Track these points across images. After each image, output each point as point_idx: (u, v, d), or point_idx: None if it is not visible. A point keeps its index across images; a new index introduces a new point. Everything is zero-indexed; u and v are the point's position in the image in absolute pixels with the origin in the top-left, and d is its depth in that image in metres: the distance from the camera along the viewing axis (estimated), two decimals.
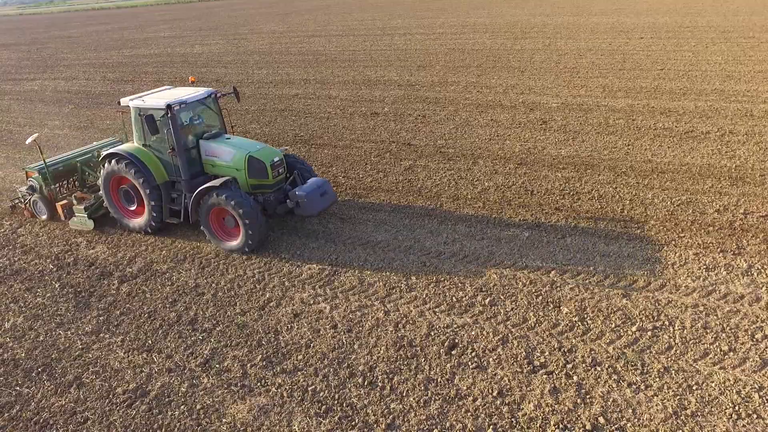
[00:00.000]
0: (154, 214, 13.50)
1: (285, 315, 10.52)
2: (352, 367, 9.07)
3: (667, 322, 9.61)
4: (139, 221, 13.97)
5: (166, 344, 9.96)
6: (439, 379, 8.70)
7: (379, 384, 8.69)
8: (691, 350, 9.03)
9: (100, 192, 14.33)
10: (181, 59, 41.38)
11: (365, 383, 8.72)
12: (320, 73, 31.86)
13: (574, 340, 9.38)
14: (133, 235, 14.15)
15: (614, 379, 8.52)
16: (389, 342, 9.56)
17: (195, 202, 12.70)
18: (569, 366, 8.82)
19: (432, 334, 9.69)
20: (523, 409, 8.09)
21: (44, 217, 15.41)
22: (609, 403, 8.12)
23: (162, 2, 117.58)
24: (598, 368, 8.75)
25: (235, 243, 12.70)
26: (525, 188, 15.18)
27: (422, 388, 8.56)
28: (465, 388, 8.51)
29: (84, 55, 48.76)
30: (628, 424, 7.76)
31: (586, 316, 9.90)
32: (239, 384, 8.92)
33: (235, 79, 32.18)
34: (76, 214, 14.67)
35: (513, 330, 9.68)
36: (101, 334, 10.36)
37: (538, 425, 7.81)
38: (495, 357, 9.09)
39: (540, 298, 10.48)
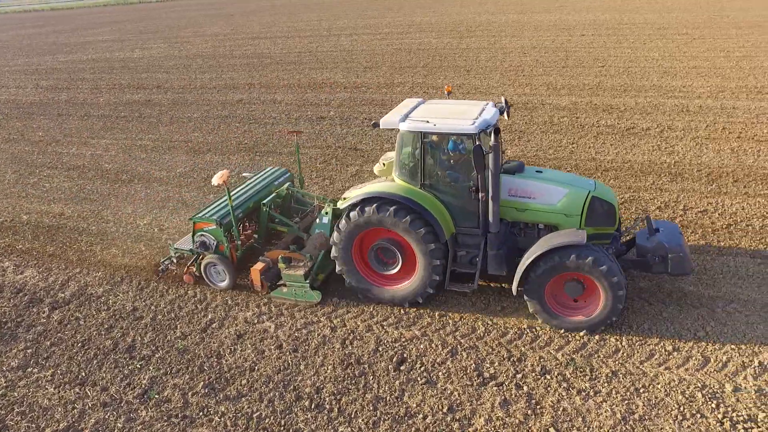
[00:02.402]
0: (435, 280, 10.07)
1: (228, 336, 10.09)
2: (298, 390, 8.74)
3: (613, 325, 9.65)
4: (402, 290, 10.33)
5: (101, 376, 9.39)
6: (388, 398, 8.47)
7: (327, 406, 8.40)
8: (638, 352, 9.10)
9: (307, 248, 11.21)
10: (120, 64, 39.87)
11: (312, 406, 8.41)
12: (265, 76, 31.21)
13: (523, 348, 9.31)
14: (67, 255, 13.34)
15: (564, 387, 8.49)
16: (336, 360, 9.27)
17: (529, 266, 9.31)
18: (519, 376, 8.74)
19: (380, 349, 9.45)
20: (474, 424, 7.95)
21: (224, 284, 11.35)
22: (559, 412, 8.07)
23: (100, 3, 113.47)
24: (548, 376, 8.70)
25: (582, 318, 9.46)
26: None
27: (371, 407, 8.31)
28: (414, 405, 8.31)
29: (14, 61, 46.40)
30: None
31: (534, 322, 9.84)
32: (180, 415, 8.46)
33: (178, 84, 31.17)
34: (289, 282, 10.83)
35: (462, 341, 9.54)
36: (29, 369, 9.67)
37: None
38: (444, 370, 8.92)
39: (488, 307, 10.39)
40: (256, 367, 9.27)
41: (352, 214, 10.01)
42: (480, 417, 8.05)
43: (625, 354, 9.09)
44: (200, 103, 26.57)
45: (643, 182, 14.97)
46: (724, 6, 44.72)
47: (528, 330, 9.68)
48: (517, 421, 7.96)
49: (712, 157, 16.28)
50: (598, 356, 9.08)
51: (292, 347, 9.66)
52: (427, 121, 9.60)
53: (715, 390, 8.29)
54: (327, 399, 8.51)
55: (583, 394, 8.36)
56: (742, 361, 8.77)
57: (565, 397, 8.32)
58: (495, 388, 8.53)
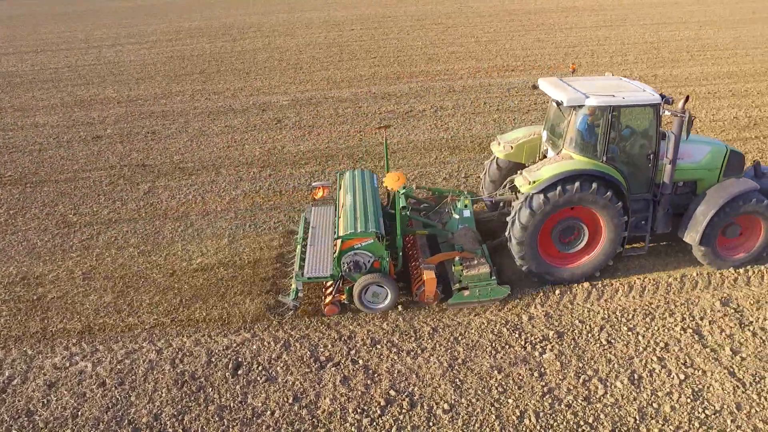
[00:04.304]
0: (618, 250, 10.71)
1: (37, 389, 8.94)
2: (134, 422, 8.17)
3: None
4: (584, 265, 10.79)
5: None
6: (231, 404, 8.36)
7: (170, 430, 8.01)
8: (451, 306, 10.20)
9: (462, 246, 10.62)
10: None
11: None
12: (17, 98, 27.48)
13: (350, 327, 9.83)
14: None
15: (394, 352, 9.20)
16: (169, 382, 8.83)
17: (713, 217, 10.29)
18: (353, 352, 9.25)
19: (213, 360, 9.23)
20: (321, 406, 8.25)
21: (384, 305, 10.05)
22: (395, 374, 8.75)
23: None
24: (378, 346, 9.34)
25: (744, 255, 10.99)
26: (273, 190, 15.27)
27: (216, 418, 8.14)
28: (260, 404, 8.33)
29: None
30: (415, 389, 8.47)
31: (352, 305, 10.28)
32: None
33: None
34: (472, 284, 10.18)
35: (292, 333, 9.75)
36: None
37: (338, 417, 8.05)
38: (282, 364, 9.06)
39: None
40: (80, 413, 8.41)
41: (568, 187, 9.93)
42: (325, 398, 8.37)
43: (440, 310, 10.13)
44: None
45: (428, 158, 16.55)
46: None
47: (350, 311, 10.20)
48: (359, 392, 8.45)
49: (480, 129, 18.61)
50: (419, 318, 9.98)
51: (117, 381, 8.95)
52: (613, 95, 9.95)
53: (516, 322, 9.72)
54: (168, 422, 8.11)
55: (412, 353, 9.16)
56: (532, 294, 10.39)
57: (397, 360, 9.04)
58: (333, 369, 8.92)
